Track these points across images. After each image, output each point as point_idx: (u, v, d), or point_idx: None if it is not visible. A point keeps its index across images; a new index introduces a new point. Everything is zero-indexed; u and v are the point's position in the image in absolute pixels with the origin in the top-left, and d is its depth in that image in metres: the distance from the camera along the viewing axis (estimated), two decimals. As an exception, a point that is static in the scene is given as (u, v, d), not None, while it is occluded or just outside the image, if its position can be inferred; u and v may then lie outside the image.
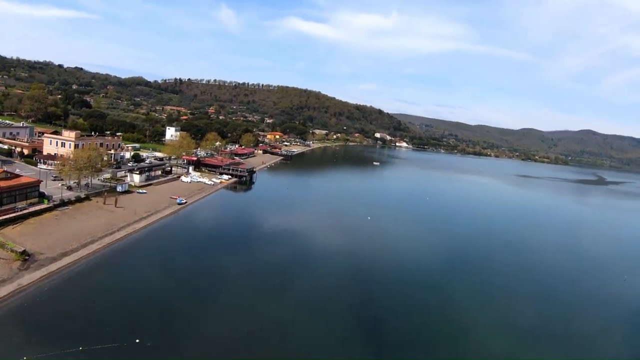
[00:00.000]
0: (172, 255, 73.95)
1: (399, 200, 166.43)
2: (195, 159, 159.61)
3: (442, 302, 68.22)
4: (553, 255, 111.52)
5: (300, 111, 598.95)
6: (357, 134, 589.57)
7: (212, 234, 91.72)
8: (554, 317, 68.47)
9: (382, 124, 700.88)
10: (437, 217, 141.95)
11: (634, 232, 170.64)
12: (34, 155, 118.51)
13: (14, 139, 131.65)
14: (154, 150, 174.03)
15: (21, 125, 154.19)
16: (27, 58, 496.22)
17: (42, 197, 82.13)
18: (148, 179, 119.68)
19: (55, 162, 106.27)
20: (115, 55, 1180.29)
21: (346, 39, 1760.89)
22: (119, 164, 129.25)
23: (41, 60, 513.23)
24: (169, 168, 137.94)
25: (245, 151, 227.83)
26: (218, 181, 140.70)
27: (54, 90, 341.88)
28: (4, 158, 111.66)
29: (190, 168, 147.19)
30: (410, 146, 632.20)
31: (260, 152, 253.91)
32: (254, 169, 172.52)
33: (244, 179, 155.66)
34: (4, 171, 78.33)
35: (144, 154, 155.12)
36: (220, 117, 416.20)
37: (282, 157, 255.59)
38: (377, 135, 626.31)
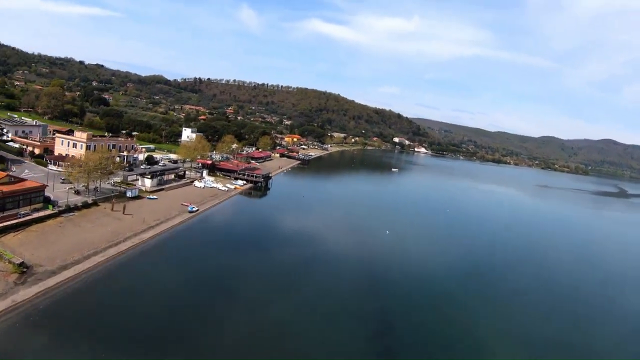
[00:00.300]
0: (179, 271, 68.83)
1: (419, 213, 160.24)
2: (210, 162, 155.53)
3: (457, 312, 68.07)
4: (579, 274, 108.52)
5: (319, 113, 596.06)
6: (375, 138, 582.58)
7: (223, 246, 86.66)
8: (569, 330, 69.86)
9: (401, 128, 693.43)
10: (459, 232, 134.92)
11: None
12: (45, 156, 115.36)
13: (27, 138, 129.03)
14: (169, 151, 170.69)
15: (34, 123, 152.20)
16: (49, 54, 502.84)
17: (47, 202, 79.02)
18: (160, 183, 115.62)
19: (65, 163, 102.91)
20: (136, 53, 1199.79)
21: (367, 41, 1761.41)
22: (132, 166, 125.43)
23: (62, 56, 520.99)
24: (182, 172, 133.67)
25: (262, 154, 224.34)
26: (232, 187, 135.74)
27: (74, 87, 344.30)
28: (14, 157, 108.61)
29: (204, 172, 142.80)
30: (429, 152, 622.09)
31: (278, 155, 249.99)
32: (270, 174, 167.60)
33: (259, 184, 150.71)
34: (7, 175, 74.90)
35: (157, 155, 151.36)
36: (239, 118, 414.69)
37: (299, 162, 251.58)
38: (396, 139, 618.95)
